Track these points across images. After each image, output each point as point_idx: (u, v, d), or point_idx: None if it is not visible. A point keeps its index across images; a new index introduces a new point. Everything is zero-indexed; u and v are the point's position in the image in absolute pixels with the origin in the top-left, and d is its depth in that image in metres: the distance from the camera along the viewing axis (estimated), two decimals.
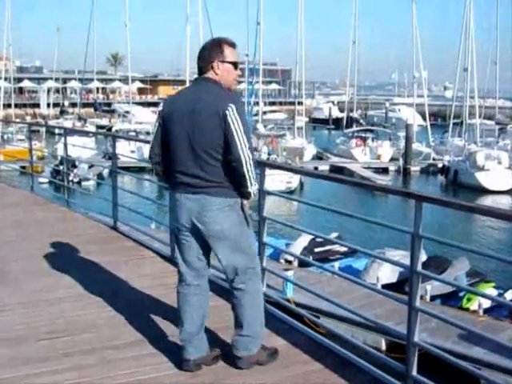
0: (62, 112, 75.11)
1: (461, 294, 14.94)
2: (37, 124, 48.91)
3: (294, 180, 35.44)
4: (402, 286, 13.94)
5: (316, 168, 40.20)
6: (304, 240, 18.34)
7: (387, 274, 15.69)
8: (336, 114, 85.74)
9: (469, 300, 14.39)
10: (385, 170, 44.50)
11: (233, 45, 4.42)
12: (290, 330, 5.23)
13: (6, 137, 43.03)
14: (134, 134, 46.07)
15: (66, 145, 11.52)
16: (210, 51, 4.35)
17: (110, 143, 11.81)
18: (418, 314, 4.14)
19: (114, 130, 51.44)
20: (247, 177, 4.23)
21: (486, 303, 13.82)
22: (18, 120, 57.27)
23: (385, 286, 14.36)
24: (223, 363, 4.63)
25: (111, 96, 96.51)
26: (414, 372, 4.16)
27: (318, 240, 17.93)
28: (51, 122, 61.29)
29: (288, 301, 9.36)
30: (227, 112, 4.14)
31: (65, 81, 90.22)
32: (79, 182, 32.36)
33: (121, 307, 5.79)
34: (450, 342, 11.45)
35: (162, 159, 4.49)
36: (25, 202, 11.37)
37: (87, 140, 42.04)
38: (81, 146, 20.39)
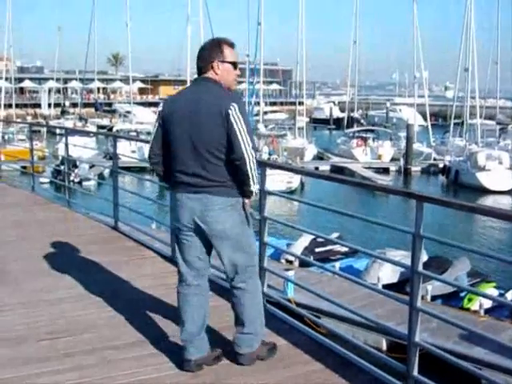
0: (63, 112, 75.11)
1: (462, 295, 14.94)
2: (38, 124, 48.97)
3: (295, 180, 35.44)
4: (403, 287, 13.94)
5: (317, 168, 40.17)
6: (305, 240, 18.34)
7: (388, 274, 15.69)
8: (337, 114, 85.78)
9: (470, 300, 14.39)
10: (385, 170, 44.46)
11: (232, 45, 4.44)
12: (291, 330, 5.23)
13: (6, 137, 43.04)
14: (134, 134, 46.06)
15: (66, 145, 11.52)
16: (210, 51, 4.36)
17: (110, 143, 11.83)
18: (419, 314, 4.14)
19: (114, 130, 51.46)
20: (250, 175, 4.24)
21: (487, 303, 13.82)
22: (18, 120, 57.31)
23: (385, 286, 14.36)
24: (224, 363, 4.63)
25: (112, 96, 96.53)
26: (415, 372, 4.15)
27: (319, 240, 17.93)
28: (52, 122, 61.25)
29: (289, 301, 9.39)
30: (230, 111, 4.16)
31: (66, 81, 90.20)
32: (80, 182, 32.37)
33: (121, 307, 5.79)
34: (451, 342, 11.45)
35: (161, 159, 4.49)
36: (26, 202, 11.37)
37: (88, 140, 42.07)
38: (82, 146, 20.40)
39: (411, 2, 54.30)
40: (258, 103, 52.93)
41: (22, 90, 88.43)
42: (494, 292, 14.92)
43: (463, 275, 15.92)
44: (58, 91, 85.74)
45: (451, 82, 70.86)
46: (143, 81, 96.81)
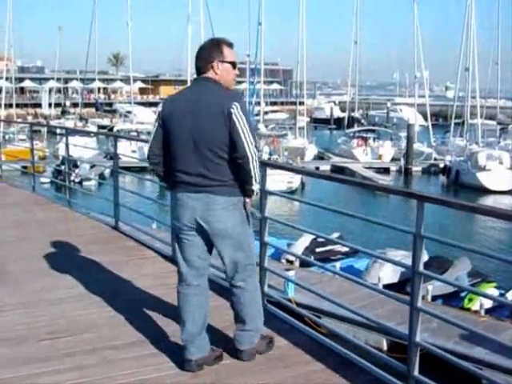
0: (64, 112, 75.11)
1: (462, 295, 14.94)
2: (38, 124, 49.00)
3: (296, 180, 35.46)
4: (404, 287, 13.94)
5: (317, 168, 40.18)
6: (305, 240, 18.35)
7: (388, 274, 15.69)
8: (337, 113, 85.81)
9: (470, 300, 14.39)
10: (386, 170, 44.48)
11: (231, 45, 4.47)
12: (292, 330, 5.23)
13: (7, 137, 42.98)
14: (135, 134, 46.05)
15: (67, 145, 11.52)
16: (210, 51, 4.38)
17: (111, 143, 11.83)
18: (420, 314, 4.14)
19: (115, 130, 51.50)
20: (252, 174, 4.26)
21: (488, 303, 13.82)
22: (19, 120, 57.31)
23: (386, 286, 14.36)
24: (225, 363, 4.63)
25: (113, 96, 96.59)
26: (416, 372, 4.15)
27: (320, 240, 17.92)
28: (53, 122, 61.26)
29: (289, 301, 9.39)
30: (232, 110, 4.18)
31: (66, 81, 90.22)
32: (81, 182, 32.36)
33: (122, 307, 5.78)
34: (452, 342, 11.45)
35: (161, 159, 4.49)
36: (26, 202, 11.37)
37: (89, 140, 42.12)
38: (82, 146, 20.40)
39: (412, 2, 54.39)
40: (258, 103, 52.90)
41: (22, 90, 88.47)
42: (495, 292, 14.92)
43: (464, 275, 15.92)
44: (59, 91, 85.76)
45: (452, 81, 70.96)
46: (144, 81, 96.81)
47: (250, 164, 4.22)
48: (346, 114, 68.88)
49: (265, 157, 35.90)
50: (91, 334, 5.22)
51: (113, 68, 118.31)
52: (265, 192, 5.52)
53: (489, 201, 34.44)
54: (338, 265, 16.77)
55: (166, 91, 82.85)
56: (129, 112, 63.14)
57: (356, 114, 69.67)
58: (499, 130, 47.70)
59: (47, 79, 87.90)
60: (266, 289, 5.74)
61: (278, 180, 30.21)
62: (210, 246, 4.49)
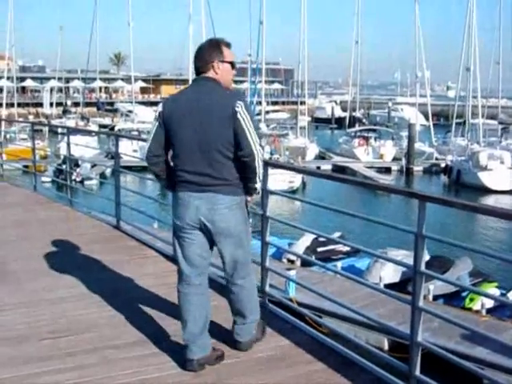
0: (65, 111, 75.15)
1: (463, 294, 14.94)
2: (40, 123, 48.92)
3: (297, 179, 35.47)
4: (405, 286, 13.94)
5: (318, 167, 40.21)
6: (307, 239, 18.35)
7: (390, 273, 15.69)
8: (338, 113, 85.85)
9: (471, 300, 14.38)
10: (387, 170, 44.49)
11: (229, 45, 4.50)
12: (293, 330, 5.22)
13: (8, 136, 43.05)
14: (136, 133, 46.04)
15: (68, 144, 11.51)
16: (210, 52, 4.40)
17: (112, 142, 11.82)
18: (422, 313, 4.13)
19: (116, 129, 51.55)
20: (257, 172, 4.32)
21: (489, 303, 13.81)
22: (20, 119, 57.36)
23: (387, 286, 14.35)
24: (226, 363, 4.62)
25: (114, 95, 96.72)
26: (417, 372, 4.15)
27: (321, 239, 17.94)
28: (54, 122, 61.35)
29: (291, 300, 9.38)
30: (237, 109, 4.20)
31: (67, 80, 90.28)
32: (82, 182, 32.37)
33: (123, 306, 5.78)
34: (453, 342, 11.46)
35: (161, 159, 4.49)
36: (27, 202, 11.36)
37: (90, 139, 42.15)
38: (84, 146, 20.46)
39: (413, 2, 54.43)
40: (259, 103, 52.90)
41: (23, 90, 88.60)
42: (496, 292, 14.92)
43: (465, 275, 15.92)
44: (60, 90, 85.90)
45: (453, 81, 70.77)
46: (145, 80, 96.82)
47: (255, 162, 4.27)
48: (347, 114, 68.84)
49: (266, 156, 35.86)
50: (92, 334, 5.22)
51: (114, 67, 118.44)
52: (266, 191, 5.51)
53: (490, 200, 34.45)
54: (339, 264, 16.78)
55: (167, 90, 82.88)
56: (130, 111, 63.23)
57: (357, 114, 69.62)
58: (500, 129, 47.66)
59: (48, 78, 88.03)
60: (267, 288, 5.74)
61: (279, 179, 30.22)
62: (211, 244, 4.50)
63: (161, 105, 4.47)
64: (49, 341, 5.08)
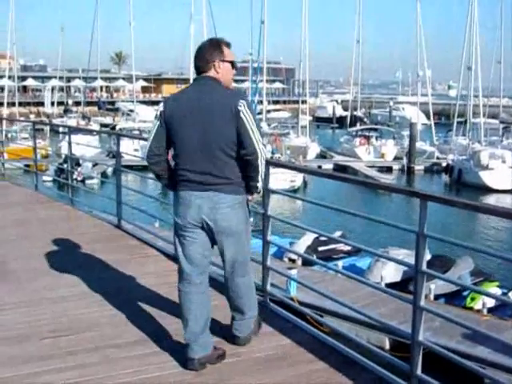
0: (66, 110, 75.15)
1: (465, 293, 14.94)
2: (41, 122, 49.02)
3: (298, 179, 35.48)
4: (406, 285, 13.95)
5: (320, 167, 40.22)
6: (308, 239, 18.35)
7: (391, 273, 15.68)
8: (340, 112, 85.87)
9: (473, 299, 14.38)
10: (389, 169, 44.49)
11: (229, 45, 4.53)
12: (294, 329, 5.22)
13: (10, 135, 43.01)
14: (137, 132, 46.04)
15: (70, 143, 11.50)
16: (211, 51, 4.42)
17: (113, 142, 11.80)
18: (423, 313, 4.13)
19: (117, 128, 51.54)
20: (259, 170, 4.35)
21: (490, 302, 13.81)
22: (22, 118, 57.36)
23: (388, 285, 14.35)
24: (228, 362, 4.62)
25: (115, 94, 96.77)
26: (419, 371, 4.15)
27: (322, 239, 17.95)
28: (55, 121, 61.34)
29: (292, 299, 9.36)
30: (240, 108, 4.22)
31: (69, 79, 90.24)
32: (83, 181, 32.37)
33: (124, 305, 5.78)
34: (454, 342, 11.45)
35: (162, 159, 4.49)
36: (29, 201, 11.37)
37: (91, 138, 42.08)
38: (85, 145, 20.45)
39: (414, 1, 54.42)
40: (260, 102, 52.91)
41: (25, 89, 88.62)
42: (497, 291, 14.91)
43: (466, 274, 15.92)
44: (61, 90, 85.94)
45: (454, 80, 70.89)
46: (146, 79, 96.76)
47: (258, 160, 4.29)
48: (348, 113, 68.82)
49: (267, 155, 35.88)
50: (93, 333, 5.21)
51: (115, 66, 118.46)
52: (267, 190, 5.52)
53: (491, 199, 34.44)
54: (340, 263, 16.78)
55: (168, 90, 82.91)
56: (131, 110, 63.23)
57: (358, 113, 69.64)
58: (502, 128, 47.59)
59: (50, 78, 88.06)
60: (268, 287, 5.73)
61: (280, 179, 30.22)
62: (212, 243, 4.51)
63: (162, 104, 4.46)
64: (49, 340, 5.07)
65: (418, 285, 4.13)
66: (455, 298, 14.95)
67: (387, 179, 37.90)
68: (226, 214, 4.34)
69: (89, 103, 79.30)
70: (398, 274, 15.71)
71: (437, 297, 14.70)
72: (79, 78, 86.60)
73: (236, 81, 4.67)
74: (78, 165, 31.35)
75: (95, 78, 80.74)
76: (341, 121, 77.07)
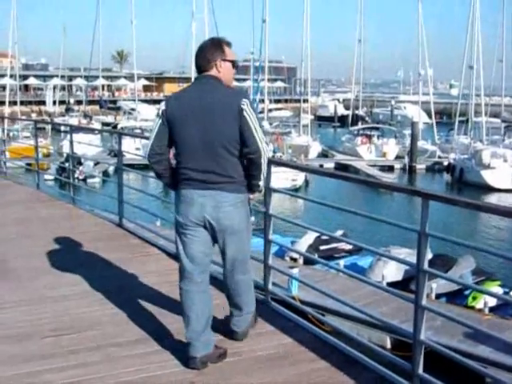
0: (68, 109, 75.25)
1: (466, 293, 14.93)
2: (42, 121, 49.06)
3: (299, 177, 35.48)
4: (407, 284, 13.94)
5: (321, 165, 40.25)
6: (309, 238, 18.35)
7: (392, 272, 15.69)
8: (341, 111, 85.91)
9: (474, 298, 14.37)
10: (390, 168, 44.49)
11: (230, 44, 4.54)
12: (296, 328, 5.22)
13: (11, 134, 43.03)
14: (139, 131, 46.04)
15: (71, 142, 11.50)
16: (213, 51, 4.43)
17: (115, 140, 11.79)
18: (425, 312, 4.12)
19: (119, 127, 51.54)
20: (262, 169, 4.37)
21: (492, 301, 13.80)
22: (23, 117, 57.42)
23: (390, 284, 14.36)
24: (229, 361, 4.62)
25: (117, 93, 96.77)
26: (420, 370, 4.14)
27: (324, 238, 17.95)
28: (57, 120, 61.40)
29: (293, 298, 9.38)
30: (243, 106, 4.23)
31: (70, 78, 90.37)
32: (85, 180, 32.41)
33: (126, 304, 5.78)
34: (456, 341, 11.45)
35: (164, 158, 4.48)
36: (30, 199, 11.37)
37: (93, 137, 42.16)
38: (86, 144, 20.41)
39: (416, 0, 54.38)
40: (262, 101, 52.91)
41: (26, 88, 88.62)
42: (499, 290, 14.90)
43: (468, 273, 15.91)
44: (63, 88, 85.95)
45: (456, 79, 70.94)
46: (148, 78, 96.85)
47: (261, 158, 4.31)
48: (350, 112, 68.83)
49: (269, 154, 35.88)
50: (95, 331, 5.21)
51: (117, 65, 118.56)
52: (269, 189, 5.52)
53: (493, 199, 34.42)
54: (341, 262, 16.78)
55: (170, 88, 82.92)
56: (133, 109, 63.31)
57: (360, 112, 69.63)
58: (504, 127, 47.60)
59: (51, 76, 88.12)
60: (270, 286, 5.73)
61: (282, 177, 30.16)
62: (213, 241, 4.52)
63: (163, 103, 4.46)
64: (51, 339, 5.07)
65: (419, 284, 4.12)
66: (457, 297, 14.94)
67: (389, 178, 37.87)
68: (228, 212, 4.35)
69: (90, 102, 79.36)
70: (400, 272, 15.72)
71: (438, 296, 14.69)
72: (81, 76, 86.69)
73: (237, 79, 4.68)
74: (80, 164, 31.39)
75: (97, 77, 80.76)
76: (342, 120, 77.04)
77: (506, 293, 14.73)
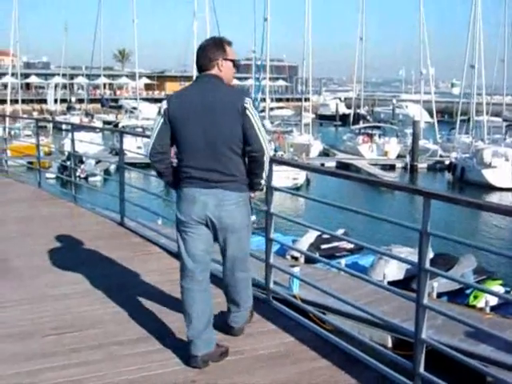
0: (69, 108, 75.25)
1: (467, 292, 14.94)
2: (44, 120, 49.04)
3: (301, 176, 35.48)
4: (409, 283, 13.94)
5: (323, 164, 40.20)
6: (310, 236, 18.36)
7: (394, 271, 15.69)
8: (343, 110, 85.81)
9: (476, 297, 14.38)
10: (392, 167, 44.49)
11: (230, 44, 4.56)
12: (297, 327, 5.22)
13: (13, 132, 43.06)
14: (140, 129, 46.02)
15: (73, 140, 11.51)
16: (214, 50, 4.44)
17: (117, 139, 11.79)
18: (426, 311, 4.12)
19: (120, 125, 51.52)
20: (264, 167, 4.41)
21: (493, 301, 13.81)
22: (25, 116, 57.43)
23: (391, 283, 14.37)
24: (230, 359, 4.62)
25: (118, 92, 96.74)
26: (422, 369, 4.14)
27: (325, 236, 17.96)
28: (58, 118, 61.44)
29: (294, 297, 9.37)
30: (246, 105, 4.26)
31: (72, 77, 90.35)
32: (86, 178, 32.40)
33: (127, 303, 5.78)
34: (457, 340, 11.46)
35: (165, 156, 4.49)
36: (32, 198, 11.37)
37: (94, 136, 42.15)
38: (88, 142, 20.44)
39: None
40: (264, 99, 52.92)
41: (28, 86, 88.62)
42: (500, 289, 14.91)
43: (469, 272, 15.92)
44: (64, 87, 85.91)
45: (458, 78, 70.92)
46: (149, 77, 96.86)
47: (264, 157, 4.34)
48: (351, 111, 68.71)
49: (271, 153, 35.89)
50: (96, 330, 5.21)
51: (118, 64, 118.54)
52: (270, 188, 5.52)
53: (494, 198, 34.40)
54: (343, 261, 16.80)
55: (171, 87, 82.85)
56: (134, 108, 63.36)
57: (361, 111, 69.55)
58: (505, 126, 47.49)
59: (53, 75, 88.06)
60: (271, 285, 5.74)
61: (283, 176, 30.19)
62: (214, 239, 4.53)
63: (165, 102, 4.45)
64: (52, 337, 5.07)
65: (421, 283, 4.12)
66: (458, 296, 14.95)
67: (390, 177, 37.87)
68: (230, 211, 4.37)
69: (92, 100, 79.37)
70: (401, 271, 15.72)
71: (440, 295, 14.70)
72: (82, 75, 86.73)
73: (239, 78, 4.70)
74: (81, 162, 31.36)
75: (98, 76, 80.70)
76: (344, 119, 76.97)
77: (507, 292, 14.74)
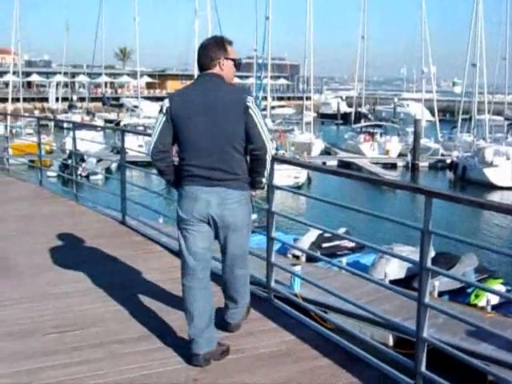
0: (71, 106, 75.24)
1: (469, 290, 14.94)
2: (45, 118, 48.98)
3: (302, 175, 35.48)
4: (410, 282, 13.94)
5: (324, 163, 40.19)
6: (312, 235, 18.37)
7: (395, 269, 15.70)
8: (344, 109, 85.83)
9: (477, 296, 14.38)
10: (393, 166, 44.51)
11: (231, 43, 4.58)
12: (298, 325, 5.21)
13: (14, 131, 43.06)
14: (142, 128, 46.05)
15: (74, 139, 11.50)
16: (215, 49, 4.45)
17: (118, 137, 11.80)
18: (427, 309, 4.12)
19: (122, 124, 51.53)
20: (266, 165, 4.44)
21: (494, 299, 13.81)
22: (26, 114, 57.44)
23: (392, 282, 14.36)
24: (231, 358, 4.62)
25: (119, 90, 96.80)
26: (423, 368, 4.14)
27: (326, 235, 17.96)
28: (60, 116, 61.40)
29: (296, 296, 9.36)
30: (248, 104, 4.28)
31: (73, 75, 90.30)
32: (87, 176, 32.41)
33: (129, 301, 5.77)
34: (458, 338, 11.46)
35: (167, 155, 4.48)
36: (33, 196, 11.36)
37: (96, 134, 42.18)
38: (89, 140, 20.42)
39: None
40: (265, 98, 52.92)
41: (29, 84, 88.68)
42: (502, 288, 14.92)
43: (470, 271, 15.92)
44: (66, 85, 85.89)
45: (459, 77, 70.85)
46: (151, 75, 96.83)
47: (266, 155, 4.38)
48: (352, 109, 68.74)
49: (273, 151, 35.90)
50: (98, 328, 5.21)
51: (120, 62, 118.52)
52: (272, 187, 5.51)
53: (496, 196, 34.41)
54: (344, 260, 16.79)
55: (172, 86, 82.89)
56: (136, 106, 63.38)
57: (363, 110, 69.55)
58: (507, 125, 47.50)
59: (54, 73, 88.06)
60: (272, 284, 5.73)
61: (284, 175, 30.25)
62: (214, 237, 4.53)
63: (167, 100, 4.45)
64: (54, 335, 5.07)
65: (422, 281, 4.12)
66: (459, 294, 14.95)
67: (391, 176, 37.87)
68: (233, 209, 4.38)
69: (93, 99, 79.34)
70: (402, 270, 15.73)
71: (441, 293, 14.71)
72: (84, 73, 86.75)
73: (240, 77, 4.70)
74: (83, 160, 31.39)
75: (100, 74, 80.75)
76: (345, 117, 77.02)
77: (508, 291, 14.76)
